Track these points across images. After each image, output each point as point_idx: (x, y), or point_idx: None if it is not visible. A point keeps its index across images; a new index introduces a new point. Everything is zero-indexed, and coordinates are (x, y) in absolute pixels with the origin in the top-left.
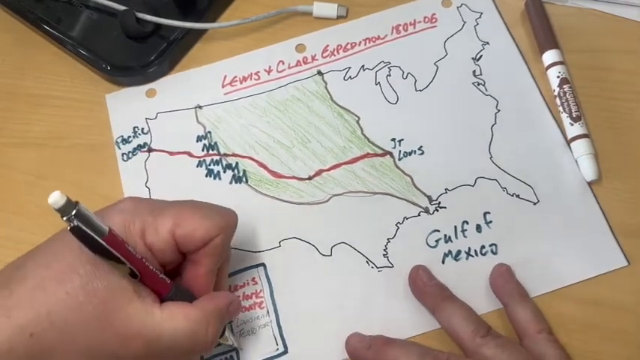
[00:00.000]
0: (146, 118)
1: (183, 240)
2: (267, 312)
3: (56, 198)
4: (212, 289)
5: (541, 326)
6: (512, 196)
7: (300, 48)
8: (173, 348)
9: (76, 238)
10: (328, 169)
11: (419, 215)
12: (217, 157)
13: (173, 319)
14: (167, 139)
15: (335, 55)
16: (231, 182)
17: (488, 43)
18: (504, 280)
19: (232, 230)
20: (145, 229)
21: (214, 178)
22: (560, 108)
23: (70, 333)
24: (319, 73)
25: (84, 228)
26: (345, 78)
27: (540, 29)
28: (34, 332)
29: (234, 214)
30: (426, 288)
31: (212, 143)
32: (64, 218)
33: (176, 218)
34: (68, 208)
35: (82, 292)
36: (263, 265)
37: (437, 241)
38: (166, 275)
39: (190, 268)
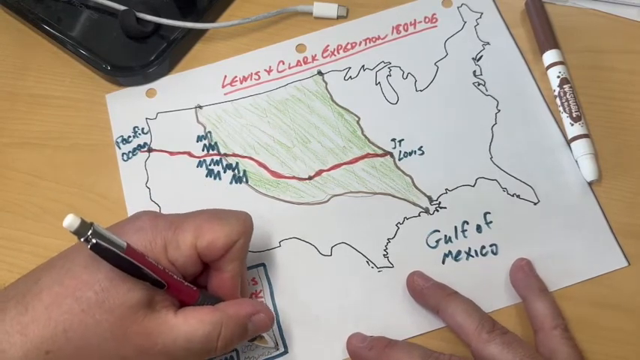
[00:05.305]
0: (146, 118)
1: (205, 250)
2: None
3: (70, 221)
4: (239, 294)
5: (557, 322)
6: (513, 196)
7: (300, 48)
8: (188, 350)
9: (92, 255)
10: (328, 170)
11: (419, 215)
12: (217, 157)
13: (187, 323)
14: (167, 139)
15: (335, 55)
16: (231, 182)
17: (488, 43)
18: (524, 274)
19: (250, 233)
20: (167, 245)
21: (214, 178)
22: (561, 108)
23: (87, 350)
24: (319, 73)
25: (104, 244)
26: (346, 78)
27: (540, 29)
28: (50, 350)
29: (250, 217)
30: (424, 290)
31: (212, 143)
32: (82, 239)
33: (196, 230)
34: (83, 229)
35: (98, 310)
36: (263, 265)
37: (437, 241)
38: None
39: (215, 277)
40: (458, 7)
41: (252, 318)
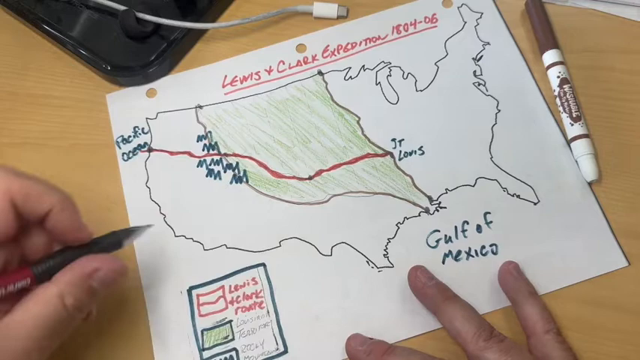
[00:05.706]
0: (146, 118)
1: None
2: (267, 312)
3: None
4: (81, 227)
5: (549, 326)
6: (513, 196)
7: (300, 48)
8: (47, 337)
9: None
10: (329, 169)
11: (419, 215)
12: (218, 157)
13: (29, 313)
14: (167, 138)
15: (335, 55)
16: (231, 182)
17: (488, 44)
18: (513, 278)
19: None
20: None
21: (215, 178)
22: (561, 108)
23: None
24: (320, 73)
25: None
26: (346, 78)
27: (540, 29)
28: None
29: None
30: (425, 289)
31: (212, 143)
32: None
33: None
34: None
35: None
36: (263, 265)
37: (437, 241)
38: None
39: (44, 225)
40: (458, 7)
41: (94, 276)
